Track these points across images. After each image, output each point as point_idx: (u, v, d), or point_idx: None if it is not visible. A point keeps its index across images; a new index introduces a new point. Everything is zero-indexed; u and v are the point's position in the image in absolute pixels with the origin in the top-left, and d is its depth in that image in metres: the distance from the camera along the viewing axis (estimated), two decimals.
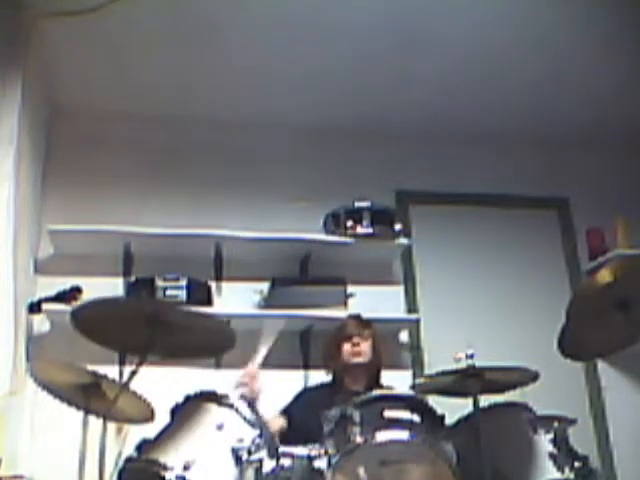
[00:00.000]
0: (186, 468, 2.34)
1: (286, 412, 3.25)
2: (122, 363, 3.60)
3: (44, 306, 3.60)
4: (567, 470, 2.51)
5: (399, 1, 3.53)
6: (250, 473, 2.36)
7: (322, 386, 3.38)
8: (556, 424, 2.62)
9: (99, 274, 3.88)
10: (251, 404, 2.97)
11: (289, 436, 3.08)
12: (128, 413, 2.67)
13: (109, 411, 2.55)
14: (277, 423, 3.17)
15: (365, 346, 3.28)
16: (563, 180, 4.59)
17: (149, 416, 2.64)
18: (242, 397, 2.91)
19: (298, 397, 3.33)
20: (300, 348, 3.96)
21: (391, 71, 4.01)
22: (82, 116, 4.16)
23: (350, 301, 3.92)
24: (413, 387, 3.00)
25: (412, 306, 4.23)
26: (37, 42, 3.52)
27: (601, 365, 4.27)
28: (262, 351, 3.03)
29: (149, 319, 2.50)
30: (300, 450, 2.41)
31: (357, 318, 3.41)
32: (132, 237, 3.84)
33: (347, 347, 3.27)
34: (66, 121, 4.15)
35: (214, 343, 2.72)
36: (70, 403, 2.68)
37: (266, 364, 3.76)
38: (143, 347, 2.52)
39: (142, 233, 3.82)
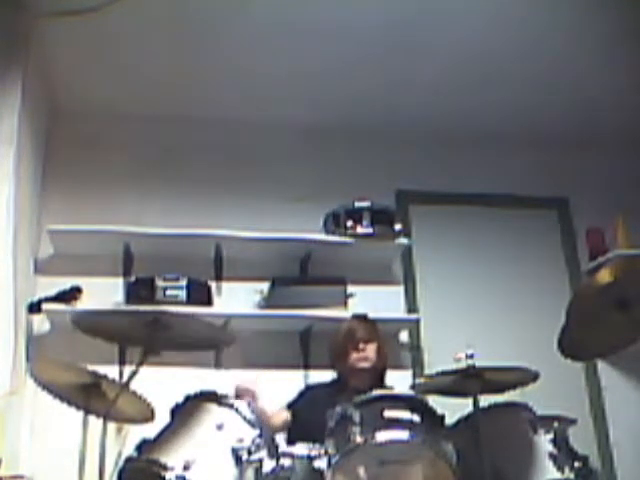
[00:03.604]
0: (186, 468, 2.34)
1: (290, 407, 3.25)
2: (122, 363, 3.61)
3: (44, 306, 3.60)
4: (567, 470, 2.51)
5: (399, 2, 3.53)
6: (250, 473, 2.37)
7: (326, 384, 3.37)
8: (556, 424, 2.62)
9: (99, 274, 3.88)
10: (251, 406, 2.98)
11: (292, 432, 3.08)
12: (128, 413, 2.67)
13: (109, 411, 2.56)
14: (281, 417, 3.18)
15: (370, 350, 3.27)
16: (563, 180, 4.58)
17: (149, 416, 2.65)
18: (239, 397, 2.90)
19: (302, 394, 3.32)
20: (300, 348, 3.95)
21: (391, 71, 4.01)
22: (82, 116, 4.15)
23: (350, 301, 3.92)
24: (413, 387, 2.99)
25: (412, 306, 4.22)
26: (37, 42, 3.52)
27: (601, 365, 4.26)
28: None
29: (148, 323, 2.53)
30: (300, 450, 2.42)
31: (363, 320, 3.38)
32: (132, 237, 3.84)
33: (354, 355, 3.26)
34: (66, 121, 4.15)
35: (213, 341, 2.76)
36: (70, 403, 2.68)
37: (266, 364, 3.79)
38: (143, 342, 2.54)
39: (142, 233, 3.82)
